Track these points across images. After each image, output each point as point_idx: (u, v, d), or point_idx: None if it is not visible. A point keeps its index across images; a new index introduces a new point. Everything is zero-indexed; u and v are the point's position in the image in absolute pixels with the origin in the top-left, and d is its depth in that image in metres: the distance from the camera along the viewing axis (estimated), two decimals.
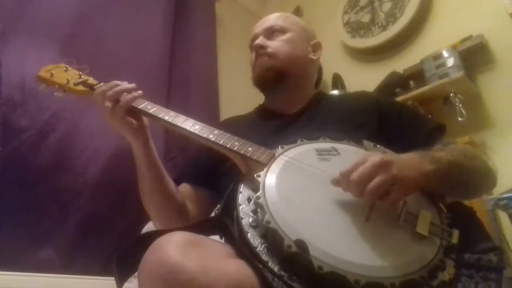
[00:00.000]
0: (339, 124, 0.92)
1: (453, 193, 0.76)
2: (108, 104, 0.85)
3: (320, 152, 0.77)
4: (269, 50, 1.02)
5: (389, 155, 0.69)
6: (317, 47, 1.10)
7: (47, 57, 1.47)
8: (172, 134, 1.87)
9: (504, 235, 1.44)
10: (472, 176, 0.79)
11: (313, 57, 1.08)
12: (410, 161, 0.69)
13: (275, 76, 1.01)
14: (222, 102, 2.35)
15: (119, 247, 0.65)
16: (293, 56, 1.03)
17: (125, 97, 0.86)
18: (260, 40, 1.04)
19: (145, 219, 1.41)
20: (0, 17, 1.48)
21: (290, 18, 1.11)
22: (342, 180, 0.66)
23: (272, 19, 1.09)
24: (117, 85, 0.88)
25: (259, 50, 1.03)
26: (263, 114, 1.10)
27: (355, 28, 2.42)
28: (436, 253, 0.61)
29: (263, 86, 1.05)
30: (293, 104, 1.05)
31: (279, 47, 1.02)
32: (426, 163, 0.70)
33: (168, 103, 1.93)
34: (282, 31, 1.05)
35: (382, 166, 0.63)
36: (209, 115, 2.14)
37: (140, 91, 0.90)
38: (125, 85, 0.89)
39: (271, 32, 1.06)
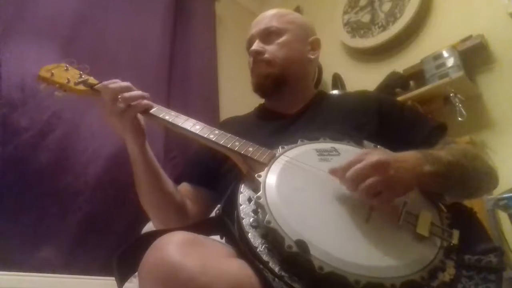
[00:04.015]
0: (340, 124, 0.91)
1: (453, 193, 0.76)
2: (120, 105, 0.84)
3: (320, 153, 0.77)
4: (266, 56, 1.00)
5: (387, 154, 0.68)
6: (315, 44, 1.08)
7: (47, 57, 1.47)
8: (171, 135, 1.87)
9: (504, 235, 1.44)
10: (472, 177, 0.78)
11: (311, 56, 1.06)
12: (408, 162, 0.69)
13: (273, 83, 1.00)
14: (222, 102, 2.35)
15: (119, 247, 0.65)
16: (291, 60, 1.01)
17: (140, 101, 0.85)
18: (256, 46, 1.02)
19: (145, 219, 1.40)
20: (0, 17, 1.48)
21: (286, 17, 1.07)
22: (340, 173, 0.68)
23: (268, 19, 1.06)
24: (128, 88, 0.86)
25: (256, 57, 1.02)
26: (264, 114, 1.09)
27: (355, 28, 2.42)
28: (437, 253, 0.62)
29: (262, 93, 1.04)
30: (293, 105, 1.04)
31: (276, 52, 1.00)
32: (425, 163, 0.70)
33: (168, 103, 1.93)
34: (279, 33, 1.02)
35: (379, 166, 0.64)
36: (209, 115, 2.15)
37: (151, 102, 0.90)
38: (138, 92, 0.88)
39: (267, 35, 1.03)
